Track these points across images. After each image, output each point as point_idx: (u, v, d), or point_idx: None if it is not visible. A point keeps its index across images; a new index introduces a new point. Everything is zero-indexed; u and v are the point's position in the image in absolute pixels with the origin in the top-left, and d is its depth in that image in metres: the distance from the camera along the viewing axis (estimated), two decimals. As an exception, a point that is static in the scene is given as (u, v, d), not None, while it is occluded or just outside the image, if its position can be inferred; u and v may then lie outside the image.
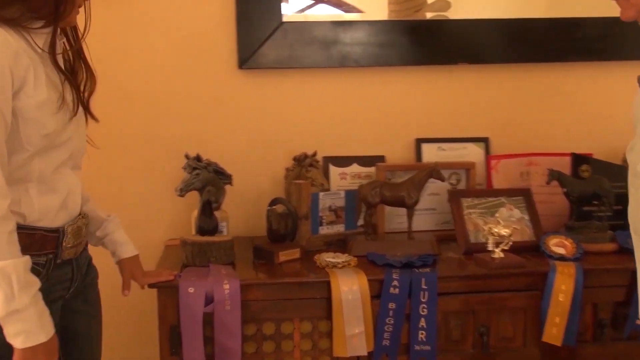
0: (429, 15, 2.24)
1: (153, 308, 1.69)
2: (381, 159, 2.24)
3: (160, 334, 1.68)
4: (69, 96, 1.35)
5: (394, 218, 2.15)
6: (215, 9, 2.15)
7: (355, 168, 2.23)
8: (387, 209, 2.10)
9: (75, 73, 1.42)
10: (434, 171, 1.96)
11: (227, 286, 1.65)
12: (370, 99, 2.26)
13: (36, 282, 1.24)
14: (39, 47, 1.29)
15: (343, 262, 1.79)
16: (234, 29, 2.14)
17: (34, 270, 1.27)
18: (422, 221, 2.17)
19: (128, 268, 1.66)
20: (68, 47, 1.41)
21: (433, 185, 2.13)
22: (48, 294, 1.30)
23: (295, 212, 1.96)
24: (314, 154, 2.06)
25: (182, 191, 1.89)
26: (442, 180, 1.99)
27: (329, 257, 1.82)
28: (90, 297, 1.53)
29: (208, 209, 1.86)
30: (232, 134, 2.22)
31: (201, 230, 1.86)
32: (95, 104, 2.12)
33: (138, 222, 2.20)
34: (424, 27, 2.22)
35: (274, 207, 1.94)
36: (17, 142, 1.26)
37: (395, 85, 2.26)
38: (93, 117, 1.49)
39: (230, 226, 2.14)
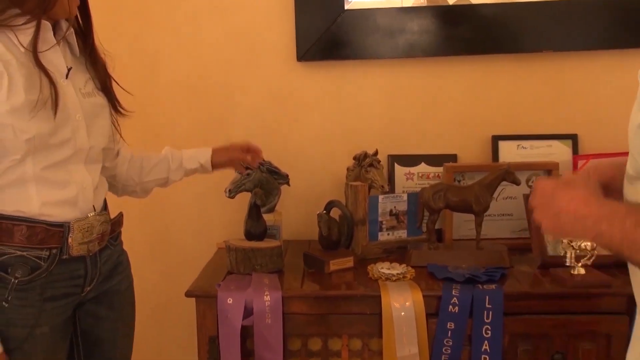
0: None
1: (193, 317, 1.60)
2: (453, 157, 2.04)
3: (199, 344, 1.59)
4: (50, 95, 1.26)
5: (465, 224, 1.95)
6: (273, -1, 2.04)
7: (423, 168, 2.04)
8: (456, 213, 1.89)
9: (93, 63, 1.39)
10: (507, 173, 1.74)
11: (267, 297, 1.53)
12: (440, 92, 2.05)
13: None
14: (22, 46, 1.24)
15: (398, 274, 1.62)
16: (292, 19, 2.00)
17: (34, 264, 1.27)
18: (497, 228, 1.96)
19: (220, 156, 1.74)
20: (81, 38, 1.38)
21: (510, 188, 1.91)
22: (48, 289, 1.29)
23: (351, 216, 1.80)
24: (375, 153, 1.88)
25: (232, 192, 1.78)
26: (517, 183, 1.76)
27: (383, 268, 1.66)
28: (115, 304, 1.48)
29: (255, 212, 1.74)
30: (290, 131, 2.09)
31: (248, 235, 1.75)
32: (151, 98, 2.09)
33: (193, 222, 2.13)
34: (503, 11, 1.98)
35: (325, 211, 1.79)
36: None
37: (468, 76, 2.04)
38: (118, 102, 1.45)
39: (287, 229, 2.03)
